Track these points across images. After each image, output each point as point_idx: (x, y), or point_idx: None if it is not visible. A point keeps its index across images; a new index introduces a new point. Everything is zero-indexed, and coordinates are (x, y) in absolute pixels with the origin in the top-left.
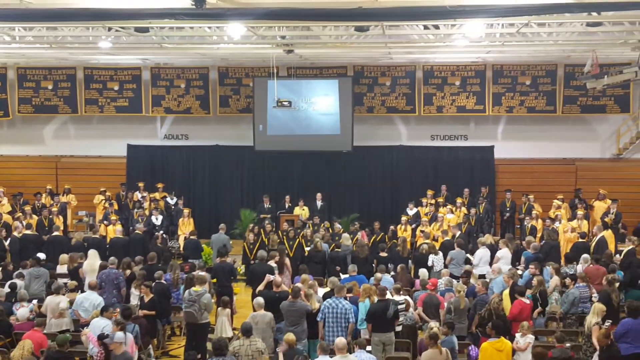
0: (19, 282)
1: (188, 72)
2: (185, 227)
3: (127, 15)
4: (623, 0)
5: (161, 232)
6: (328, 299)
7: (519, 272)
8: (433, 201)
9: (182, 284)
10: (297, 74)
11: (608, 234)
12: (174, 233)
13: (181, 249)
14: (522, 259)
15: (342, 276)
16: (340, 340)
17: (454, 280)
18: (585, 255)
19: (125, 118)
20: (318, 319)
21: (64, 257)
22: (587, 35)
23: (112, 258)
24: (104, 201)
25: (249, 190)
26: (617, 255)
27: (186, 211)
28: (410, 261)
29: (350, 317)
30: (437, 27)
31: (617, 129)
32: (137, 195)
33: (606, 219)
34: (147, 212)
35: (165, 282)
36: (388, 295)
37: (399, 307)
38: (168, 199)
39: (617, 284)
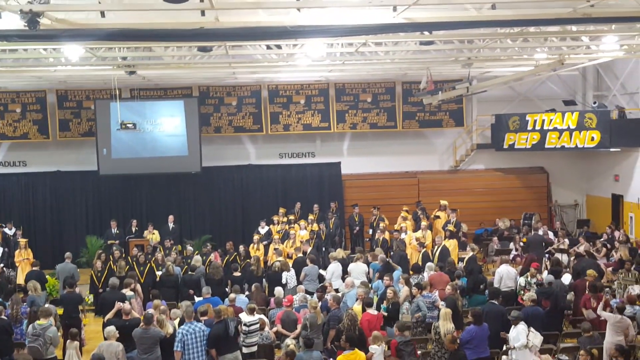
0: None
1: (24, 96)
2: (22, 258)
3: None
4: (452, 20)
5: (1, 265)
6: (183, 326)
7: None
8: (285, 219)
9: (25, 318)
10: (141, 96)
11: (449, 243)
12: (15, 265)
13: (20, 281)
14: (370, 271)
15: (197, 299)
16: None
17: (308, 296)
18: (429, 264)
19: None
20: (177, 348)
21: None
22: (421, 53)
23: None
24: None
25: (95, 216)
26: (460, 264)
27: (22, 242)
28: (264, 280)
29: None
30: (279, 46)
31: (453, 142)
32: None
33: (448, 228)
34: None
35: (6, 318)
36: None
37: (252, 327)
38: (6, 230)
39: (458, 290)
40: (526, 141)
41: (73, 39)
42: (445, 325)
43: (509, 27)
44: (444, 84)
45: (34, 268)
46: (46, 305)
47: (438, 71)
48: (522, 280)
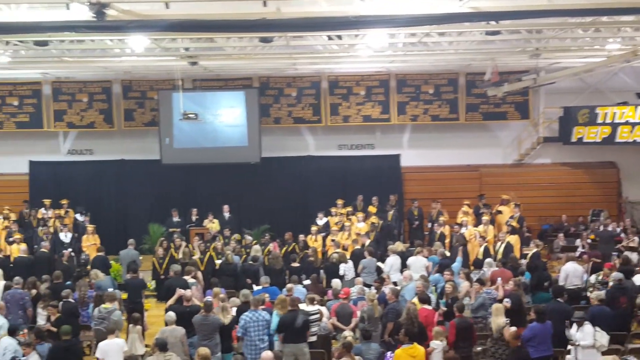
0: None
1: (90, 86)
2: (90, 243)
3: (25, 28)
4: (520, 9)
5: (70, 249)
6: (246, 313)
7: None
8: (343, 210)
9: (92, 301)
10: (203, 86)
11: (513, 238)
12: (82, 251)
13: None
14: (429, 264)
15: (255, 288)
16: (267, 354)
17: (366, 288)
18: (488, 260)
19: (26, 134)
20: (239, 333)
21: None
22: (486, 44)
23: (17, 278)
24: (5, 220)
25: (157, 205)
26: (522, 260)
27: (90, 228)
28: (322, 271)
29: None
30: (340, 37)
31: (518, 135)
32: (42, 212)
33: (510, 223)
34: (51, 230)
35: (74, 301)
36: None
37: (312, 317)
38: (77, 216)
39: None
40: (596, 135)
41: (138, 29)
42: (496, 321)
43: (581, 16)
44: (509, 75)
45: (99, 253)
46: (111, 290)
47: (504, 62)
48: (592, 279)
